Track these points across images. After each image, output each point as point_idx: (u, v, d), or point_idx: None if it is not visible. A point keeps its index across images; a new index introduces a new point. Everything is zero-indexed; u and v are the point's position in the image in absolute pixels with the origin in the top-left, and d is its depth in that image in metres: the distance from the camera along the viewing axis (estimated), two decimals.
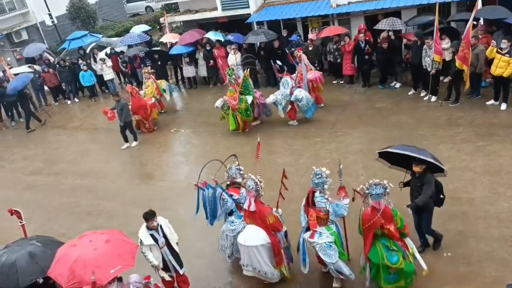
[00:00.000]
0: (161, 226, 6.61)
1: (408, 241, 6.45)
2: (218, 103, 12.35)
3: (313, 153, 10.85)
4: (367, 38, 13.78)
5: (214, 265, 7.80)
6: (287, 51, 14.72)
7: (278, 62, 14.29)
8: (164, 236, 6.60)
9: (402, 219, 6.28)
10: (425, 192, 6.63)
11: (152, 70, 14.92)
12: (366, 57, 13.67)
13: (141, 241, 6.48)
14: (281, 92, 12.03)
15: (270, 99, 12.31)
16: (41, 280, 6.24)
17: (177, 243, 6.79)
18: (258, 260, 6.64)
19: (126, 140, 13.13)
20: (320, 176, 6.49)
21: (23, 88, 15.61)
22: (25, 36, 23.97)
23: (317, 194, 6.52)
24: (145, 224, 6.61)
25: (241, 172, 7.50)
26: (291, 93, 11.85)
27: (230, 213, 7.23)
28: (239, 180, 7.39)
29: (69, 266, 5.22)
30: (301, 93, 11.85)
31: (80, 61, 17.47)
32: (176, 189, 10.51)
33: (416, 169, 6.74)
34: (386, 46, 13.18)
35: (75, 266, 5.20)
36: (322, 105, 13.14)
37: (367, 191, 6.25)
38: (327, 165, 10.03)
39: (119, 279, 5.79)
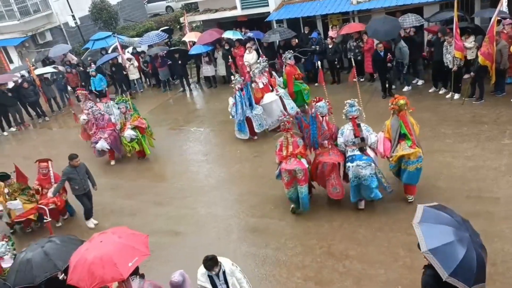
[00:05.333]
0: (224, 272, 5.75)
1: None
2: (131, 135, 11.88)
3: None
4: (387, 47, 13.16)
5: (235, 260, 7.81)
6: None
7: None
8: (226, 283, 5.77)
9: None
10: None
11: None
12: (389, 65, 12.66)
13: (198, 278, 5.82)
14: None
15: None
16: (61, 276, 6.44)
17: None
18: (281, 109, 11.64)
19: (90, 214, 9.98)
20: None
21: (114, 59, 17.65)
22: (49, 37, 24.43)
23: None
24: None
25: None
26: None
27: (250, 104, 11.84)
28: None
29: (87, 269, 5.29)
30: None
31: (88, 68, 17.12)
32: (196, 188, 10.58)
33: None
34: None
35: (93, 268, 5.27)
36: None
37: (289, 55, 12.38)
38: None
39: (142, 276, 5.82)
